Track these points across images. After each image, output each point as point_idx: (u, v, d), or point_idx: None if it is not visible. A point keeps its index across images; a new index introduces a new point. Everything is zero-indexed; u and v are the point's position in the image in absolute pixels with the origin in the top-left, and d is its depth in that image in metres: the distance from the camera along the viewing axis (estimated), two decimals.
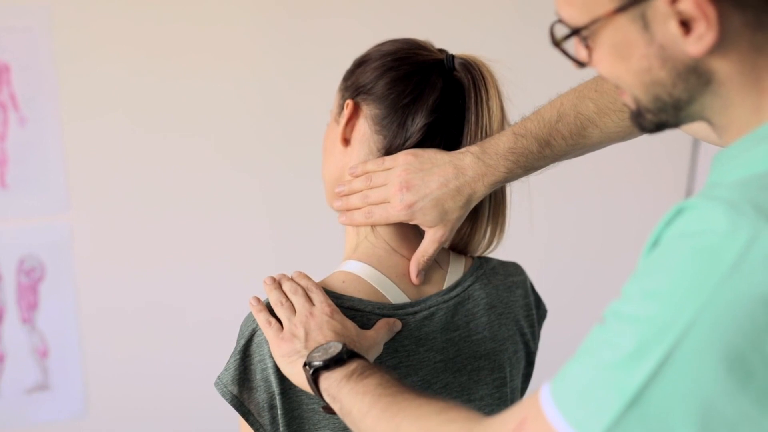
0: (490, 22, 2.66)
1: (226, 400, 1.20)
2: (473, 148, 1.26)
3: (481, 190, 1.26)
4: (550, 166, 1.31)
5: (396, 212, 1.26)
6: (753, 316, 0.75)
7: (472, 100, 1.29)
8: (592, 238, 2.92)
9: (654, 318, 0.78)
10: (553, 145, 1.28)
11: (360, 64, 1.31)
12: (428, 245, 1.27)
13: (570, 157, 1.32)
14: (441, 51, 1.32)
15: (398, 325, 1.23)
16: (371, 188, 1.27)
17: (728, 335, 0.76)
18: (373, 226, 1.29)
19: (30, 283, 2.49)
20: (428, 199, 1.25)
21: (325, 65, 2.49)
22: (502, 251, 1.38)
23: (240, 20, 2.55)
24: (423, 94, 1.27)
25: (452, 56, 1.30)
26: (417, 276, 1.28)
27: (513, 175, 1.27)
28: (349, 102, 1.28)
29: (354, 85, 1.30)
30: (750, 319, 0.75)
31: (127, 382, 2.56)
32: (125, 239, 2.54)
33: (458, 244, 1.36)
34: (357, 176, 1.28)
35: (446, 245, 1.36)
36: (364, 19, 2.62)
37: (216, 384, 1.21)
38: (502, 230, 1.35)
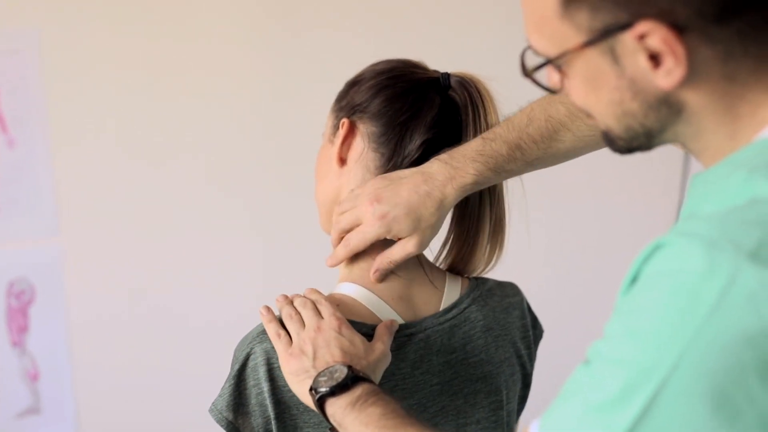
0: (485, 36, 2.65)
1: (222, 426, 1.19)
2: (441, 156, 1.24)
3: (451, 195, 1.23)
4: (529, 172, 1.30)
5: (371, 228, 1.23)
6: (737, 355, 0.75)
7: (470, 117, 1.28)
8: (588, 255, 2.91)
9: (638, 360, 0.78)
10: (524, 149, 1.26)
11: (354, 84, 1.30)
12: (396, 252, 1.25)
13: (548, 164, 1.30)
14: (435, 71, 1.32)
15: (395, 324, 1.22)
16: (342, 214, 1.26)
17: (713, 375, 0.75)
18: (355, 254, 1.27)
19: (20, 306, 2.48)
20: (400, 208, 1.22)
21: (319, 79, 2.49)
22: (498, 268, 1.37)
23: (232, 37, 2.54)
24: (421, 111, 1.26)
25: (448, 74, 1.29)
26: (375, 273, 1.25)
27: (483, 177, 1.24)
28: (345, 121, 1.27)
29: (349, 105, 1.28)
30: (734, 359, 0.75)
31: (119, 405, 2.54)
32: (115, 261, 2.52)
33: (458, 264, 1.35)
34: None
35: (443, 265, 1.35)
36: (359, 32, 2.60)
37: (211, 410, 1.20)
38: (501, 248, 1.34)
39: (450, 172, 1.23)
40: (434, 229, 1.25)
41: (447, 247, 1.34)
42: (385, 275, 1.26)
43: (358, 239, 1.24)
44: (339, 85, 1.33)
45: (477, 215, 1.31)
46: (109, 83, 2.46)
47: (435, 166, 1.24)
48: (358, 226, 1.25)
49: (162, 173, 2.53)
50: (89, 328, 2.51)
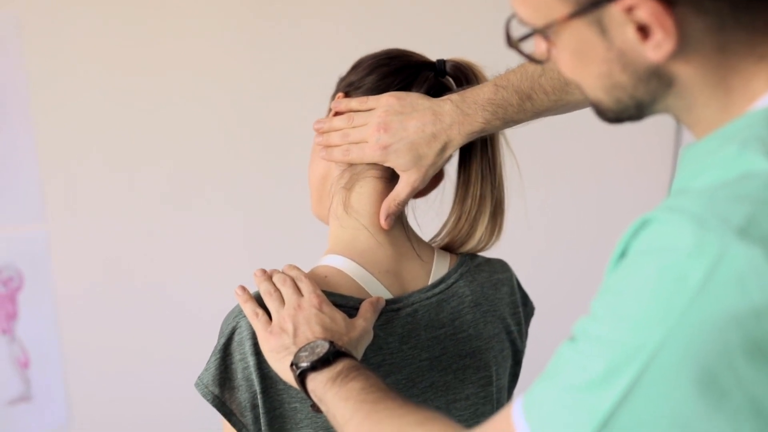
0: (470, 23, 2.65)
1: (207, 400, 1.19)
2: (454, 96, 1.26)
3: (457, 139, 1.25)
4: (533, 120, 1.30)
5: (371, 152, 1.26)
6: (724, 336, 0.73)
7: None
8: (582, 236, 2.90)
9: (622, 341, 0.77)
10: (534, 99, 1.27)
11: (353, 68, 1.33)
12: (401, 188, 1.26)
13: (554, 113, 1.31)
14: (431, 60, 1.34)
15: (381, 302, 1.22)
16: (352, 127, 1.27)
17: (699, 356, 0.74)
18: (349, 163, 1.28)
19: (8, 293, 2.46)
20: (403, 143, 1.24)
21: (305, 69, 2.48)
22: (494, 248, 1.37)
23: (215, 28, 2.53)
24: (412, 86, 1.28)
25: (444, 60, 1.31)
26: (386, 219, 1.27)
27: (491, 126, 1.26)
28: (340, 94, 1.30)
29: (345, 84, 1.31)
30: (721, 340, 0.74)
31: (110, 392, 2.54)
32: (102, 246, 2.52)
33: (455, 242, 1.34)
34: (340, 112, 1.28)
35: (441, 244, 1.35)
36: (342, 21, 2.59)
37: (197, 384, 1.19)
38: (500, 230, 1.34)
39: (459, 117, 1.25)
40: (436, 168, 1.28)
41: (447, 227, 1.35)
42: (395, 220, 1.28)
43: (357, 155, 1.27)
44: (325, 79, 1.36)
45: (479, 195, 1.32)
46: (92, 69, 2.45)
47: (446, 106, 1.25)
48: (362, 142, 1.27)
49: (147, 159, 2.52)
50: (79, 314, 2.50)
